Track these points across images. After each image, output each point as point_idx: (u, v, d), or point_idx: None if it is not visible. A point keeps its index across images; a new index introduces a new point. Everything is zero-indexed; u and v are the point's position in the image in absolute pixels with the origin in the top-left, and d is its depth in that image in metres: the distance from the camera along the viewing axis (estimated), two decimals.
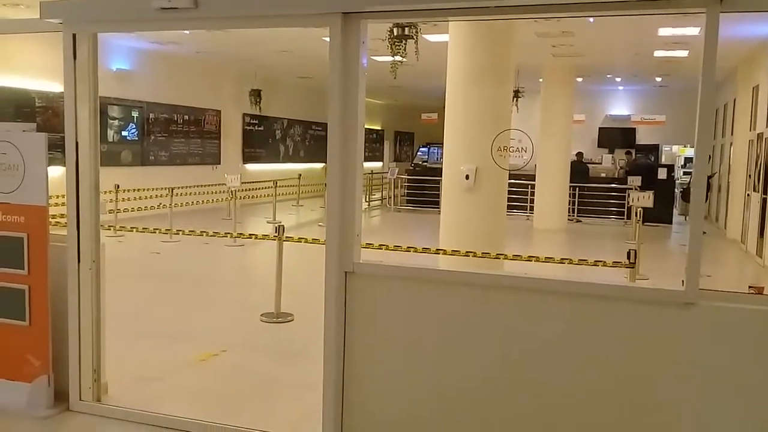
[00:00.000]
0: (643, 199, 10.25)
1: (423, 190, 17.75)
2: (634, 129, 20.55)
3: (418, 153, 23.62)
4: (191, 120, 16.12)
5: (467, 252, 6.25)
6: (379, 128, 26.39)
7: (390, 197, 19.00)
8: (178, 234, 8.75)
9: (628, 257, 5.78)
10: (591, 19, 9.54)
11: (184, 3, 3.57)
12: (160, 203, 11.88)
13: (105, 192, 10.08)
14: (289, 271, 6.61)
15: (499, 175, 7.00)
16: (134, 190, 12.13)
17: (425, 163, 20.75)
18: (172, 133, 15.52)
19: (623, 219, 15.77)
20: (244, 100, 17.84)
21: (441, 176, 7.33)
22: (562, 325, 3.27)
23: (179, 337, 5.84)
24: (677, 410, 3.12)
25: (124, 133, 14.19)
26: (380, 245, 6.58)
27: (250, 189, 15.71)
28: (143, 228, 8.42)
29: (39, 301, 4.00)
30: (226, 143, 17.38)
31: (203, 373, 5.04)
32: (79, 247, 4.04)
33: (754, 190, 11.70)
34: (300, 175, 18.36)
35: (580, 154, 17.66)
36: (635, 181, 15.57)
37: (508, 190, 7.71)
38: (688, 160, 21.32)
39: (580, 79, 16.43)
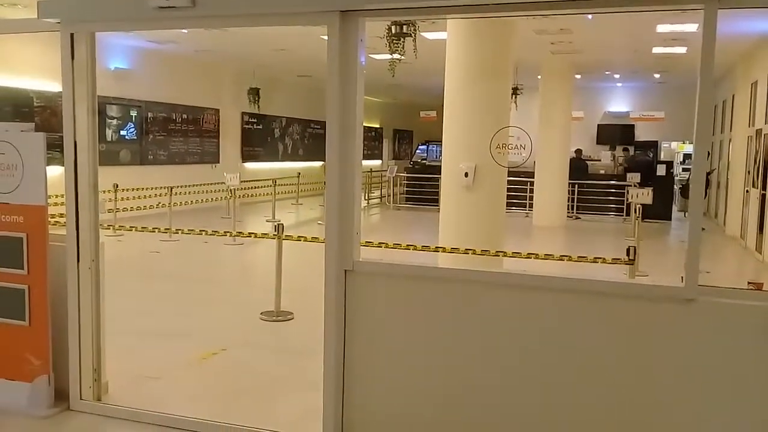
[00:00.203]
0: (642, 196, 10.26)
1: (422, 188, 17.77)
2: (633, 126, 20.56)
3: (417, 151, 23.63)
4: (190, 119, 16.11)
5: (466, 249, 6.25)
6: (377, 126, 26.38)
7: (389, 195, 19.00)
8: (177, 233, 8.75)
9: (628, 254, 5.78)
10: (589, 16, 9.54)
11: (182, 2, 3.57)
12: (159, 202, 11.87)
13: (104, 191, 10.09)
14: (288, 269, 6.62)
15: (498, 173, 7.00)
16: (133, 189, 12.13)
17: (424, 161, 20.76)
18: (170, 132, 15.51)
19: (622, 216, 15.78)
20: (243, 99, 17.83)
21: (440, 174, 7.33)
22: (561, 322, 3.27)
23: (179, 335, 5.85)
24: (677, 405, 3.13)
25: (122, 133, 14.19)
26: (380, 243, 6.57)
27: (249, 188, 15.71)
28: (142, 227, 8.42)
29: (39, 300, 4.00)
30: (224, 142, 17.38)
31: (204, 371, 5.05)
32: (78, 246, 4.04)
33: (753, 186, 11.71)
34: (299, 173, 18.36)
35: (579, 151, 17.67)
36: (634, 177, 15.57)
37: (508, 188, 7.71)
38: (687, 156, 21.34)
39: (578, 76, 16.42)
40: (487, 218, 7.16)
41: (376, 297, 3.56)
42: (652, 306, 3.16)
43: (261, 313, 6.39)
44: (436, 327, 3.46)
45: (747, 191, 12.38)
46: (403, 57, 9.35)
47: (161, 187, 12.24)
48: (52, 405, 4.02)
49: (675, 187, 17.40)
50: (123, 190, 11.79)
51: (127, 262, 8.80)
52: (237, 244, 10.56)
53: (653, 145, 20.12)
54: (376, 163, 25.15)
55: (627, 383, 3.19)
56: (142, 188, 12.32)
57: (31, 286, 4.00)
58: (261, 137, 19.14)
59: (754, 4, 3.45)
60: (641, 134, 20.66)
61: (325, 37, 3.51)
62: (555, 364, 3.29)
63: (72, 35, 3.95)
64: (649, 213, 11.85)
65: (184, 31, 11.31)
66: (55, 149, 4.07)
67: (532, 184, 15.33)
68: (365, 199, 18.49)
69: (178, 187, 12.60)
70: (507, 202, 7.75)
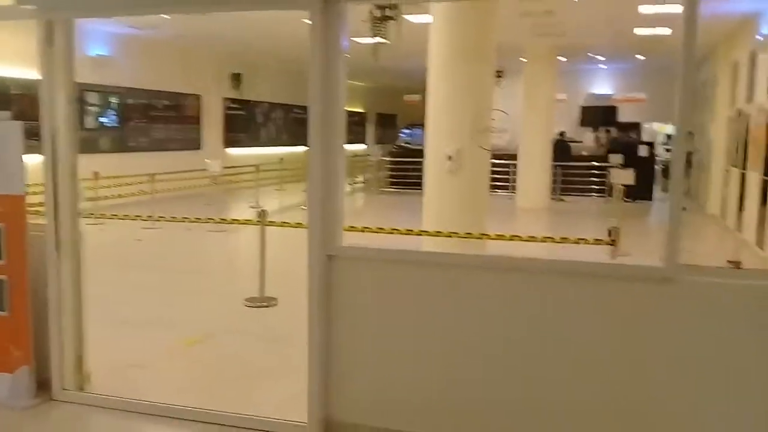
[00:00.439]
0: (624, 177, 10.32)
1: (406, 172, 17.71)
2: (616, 107, 20.64)
3: (401, 135, 23.56)
4: (171, 105, 15.95)
5: (450, 233, 6.26)
6: (361, 110, 26.28)
7: (373, 179, 18.96)
8: (159, 221, 8.71)
9: (610, 234, 5.83)
10: None
11: None
12: (141, 190, 11.77)
13: (84, 179, 9.97)
14: (272, 255, 6.60)
15: (481, 156, 7.00)
16: (114, 177, 11.99)
17: (408, 145, 20.70)
18: (151, 118, 15.34)
19: (605, 196, 15.88)
20: (225, 84, 17.67)
21: (424, 158, 7.31)
22: (544, 304, 3.29)
23: (163, 323, 5.82)
24: (660, 384, 3.16)
25: (102, 120, 14.02)
26: (363, 228, 6.57)
27: (232, 174, 15.61)
28: (124, 215, 8.37)
29: (18, 291, 3.95)
30: (206, 128, 17.23)
31: (188, 359, 5.03)
32: (58, 235, 4.00)
33: (734, 166, 11.82)
34: (282, 159, 18.27)
35: (562, 133, 17.72)
36: (616, 159, 15.66)
37: (491, 170, 7.72)
38: (669, 137, 21.46)
39: (562, 58, 16.43)
40: (470, 201, 7.17)
41: (359, 282, 3.56)
42: (633, 286, 3.18)
43: (245, 300, 6.38)
44: (419, 311, 3.47)
45: (727, 171, 12.49)
46: (386, 41, 9.29)
47: (143, 175, 12.13)
48: (35, 396, 3.99)
49: (657, 167, 17.52)
50: (104, 178, 11.66)
51: (109, 250, 8.72)
52: (220, 231, 10.50)
53: (635, 127, 20.22)
54: (360, 147, 25.08)
55: (610, 363, 3.22)
56: (124, 176, 12.19)
57: (10, 276, 3.95)
58: (243, 123, 19.00)
59: None
60: (623, 116, 20.76)
61: (308, 21, 3.47)
62: (538, 345, 3.31)
63: (49, 22, 3.88)
64: (631, 194, 11.93)
65: (164, 16, 11.15)
66: (33, 137, 4.01)
67: (515, 166, 15.37)
68: (349, 184, 18.45)
69: (159, 174, 12.49)
70: (491, 185, 7.78)
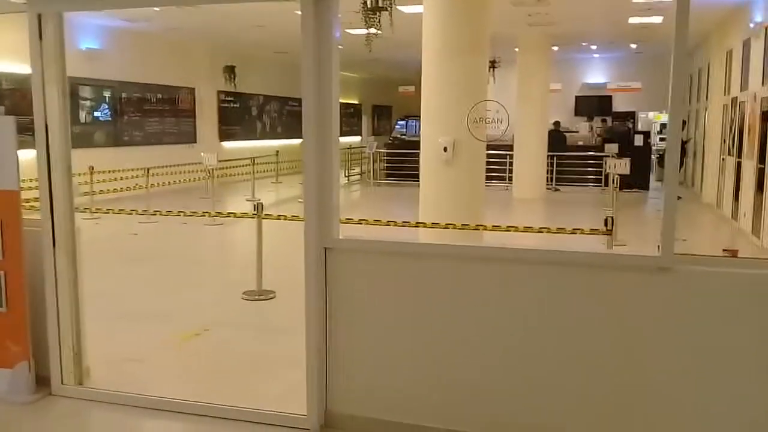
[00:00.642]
0: (620, 166, 10.34)
1: (402, 164, 17.72)
2: (610, 96, 20.65)
3: (396, 126, 23.53)
4: (165, 99, 15.89)
5: (447, 224, 6.27)
6: (356, 102, 26.23)
7: (369, 171, 18.96)
8: (155, 215, 8.68)
9: (606, 224, 5.84)
10: None
11: None
12: (136, 184, 11.74)
13: (79, 174, 9.95)
14: (269, 248, 6.60)
15: (476, 147, 7.01)
16: (109, 171, 11.97)
17: (404, 137, 20.68)
18: (145, 112, 15.30)
19: (601, 186, 15.91)
20: (219, 77, 17.61)
21: (419, 149, 7.31)
22: (540, 294, 3.30)
23: (161, 317, 5.82)
24: (656, 373, 3.18)
25: (96, 114, 13.96)
26: (360, 220, 6.57)
27: (227, 167, 15.58)
28: (120, 209, 8.34)
29: (15, 286, 3.95)
30: (201, 121, 17.18)
31: (186, 352, 5.04)
32: (53, 230, 3.99)
33: (729, 155, 11.84)
34: (277, 151, 18.23)
35: (557, 123, 17.73)
36: (612, 148, 15.69)
37: (487, 161, 7.73)
38: (664, 126, 21.48)
39: (556, 48, 16.42)
40: (466, 192, 7.19)
41: (356, 274, 3.57)
42: (629, 276, 3.19)
43: (243, 293, 6.38)
44: (416, 303, 3.47)
45: (723, 159, 12.52)
46: (379, 31, 9.26)
47: (138, 169, 12.10)
48: (34, 391, 3.99)
49: (652, 156, 17.55)
50: (99, 172, 11.64)
51: (106, 244, 8.71)
52: (216, 225, 10.50)
53: (630, 116, 20.25)
54: (356, 139, 25.05)
55: (607, 353, 3.24)
56: (119, 170, 12.17)
57: (6, 272, 3.95)
58: (238, 116, 18.95)
59: None
60: (618, 105, 20.78)
61: (300, 13, 3.46)
62: (535, 335, 3.32)
63: (39, 16, 3.86)
64: (626, 183, 11.96)
65: (155, 8, 11.10)
66: (27, 132, 3.99)
67: (511, 157, 15.37)
68: (345, 176, 18.43)
69: (155, 168, 12.46)
70: (487, 176, 7.78)
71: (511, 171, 15.61)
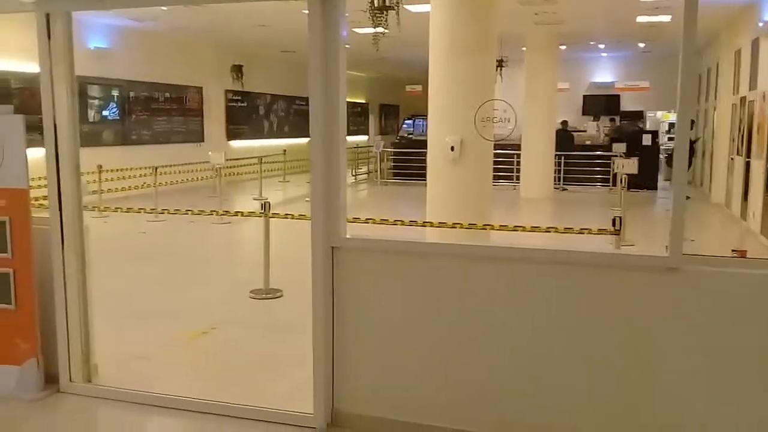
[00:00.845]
0: (628, 166, 10.30)
1: (409, 163, 17.71)
2: (618, 96, 20.57)
3: (403, 125, 23.53)
4: (173, 97, 15.94)
5: (454, 224, 6.26)
6: (363, 101, 26.23)
7: (376, 171, 18.96)
8: (163, 213, 8.70)
9: (614, 224, 5.82)
10: None
11: None
12: (145, 183, 11.79)
13: (88, 173, 9.99)
14: (277, 247, 6.61)
15: (484, 146, 7.00)
16: (117, 170, 12.02)
17: (411, 136, 20.68)
18: (153, 111, 15.35)
19: (609, 186, 15.85)
20: (226, 76, 17.64)
21: (427, 148, 7.31)
22: (548, 294, 3.29)
23: (169, 315, 5.84)
24: (663, 374, 3.17)
25: (104, 113, 14.02)
26: (367, 219, 6.57)
27: (235, 166, 15.61)
28: (128, 208, 8.37)
29: (24, 284, 3.97)
30: (209, 120, 17.22)
31: (194, 350, 5.06)
32: (62, 228, 4.01)
33: (738, 154, 11.78)
34: (285, 150, 18.25)
35: (564, 123, 17.69)
36: (620, 148, 15.63)
37: (494, 160, 7.71)
38: (672, 125, 21.39)
39: (563, 47, 16.37)
40: (474, 192, 7.18)
41: (363, 273, 3.57)
42: (637, 276, 3.18)
43: (250, 291, 6.39)
44: (423, 302, 3.47)
45: (732, 159, 12.45)
46: (387, 30, 9.26)
47: (146, 167, 12.14)
48: (43, 388, 4.01)
49: (661, 156, 17.48)
50: (107, 171, 11.68)
51: (114, 243, 8.75)
52: (224, 223, 10.52)
53: (639, 115, 20.17)
54: (363, 138, 25.06)
55: (614, 353, 3.23)
56: (127, 169, 12.21)
57: (16, 270, 3.97)
58: (245, 115, 18.98)
59: None
60: (626, 104, 20.70)
61: (307, 12, 3.46)
62: (543, 335, 3.31)
63: (47, 15, 3.88)
64: (635, 183, 11.90)
65: (163, 8, 11.13)
66: (36, 131, 4.01)
67: (518, 156, 15.34)
68: (352, 176, 18.44)
69: (163, 166, 12.50)
70: (494, 175, 7.76)
71: (518, 170, 15.58)
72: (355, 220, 6.31)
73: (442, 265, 3.45)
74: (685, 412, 3.16)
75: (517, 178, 15.63)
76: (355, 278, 3.56)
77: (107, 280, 5.57)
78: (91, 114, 13.62)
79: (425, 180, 7.38)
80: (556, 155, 15.64)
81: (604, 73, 21.26)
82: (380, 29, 9.06)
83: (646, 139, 16.56)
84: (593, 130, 19.35)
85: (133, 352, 4.80)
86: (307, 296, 3.61)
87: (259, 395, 3.99)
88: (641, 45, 17.21)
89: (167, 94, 15.74)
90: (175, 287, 6.93)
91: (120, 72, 14.16)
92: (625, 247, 6.75)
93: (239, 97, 18.50)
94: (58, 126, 3.95)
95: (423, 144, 7.75)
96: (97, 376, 4.19)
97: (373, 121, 27.70)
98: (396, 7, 8.79)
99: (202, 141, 16.80)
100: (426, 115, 7.32)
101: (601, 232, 6.13)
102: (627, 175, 9.97)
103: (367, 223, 6.52)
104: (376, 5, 8.74)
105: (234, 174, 15.63)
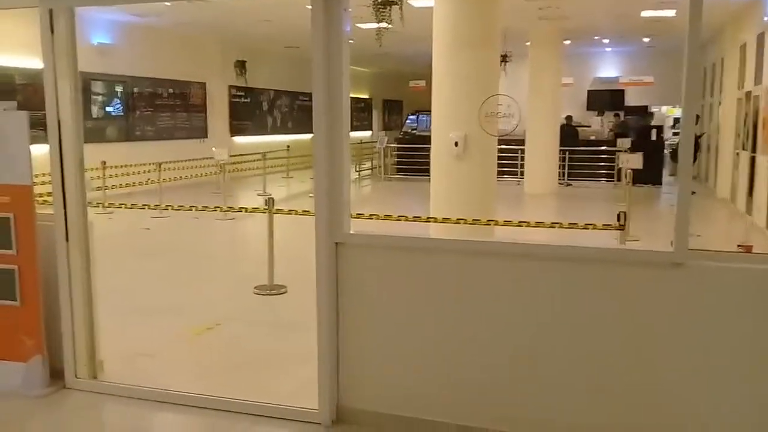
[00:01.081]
0: (633, 161, 10.27)
1: (413, 159, 17.68)
2: (623, 91, 20.50)
3: (407, 121, 23.48)
4: (176, 93, 15.94)
5: (458, 219, 6.25)
6: (366, 97, 26.20)
7: (380, 166, 18.94)
8: (167, 209, 8.72)
9: (618, 219, 5.80)
10: None
11: None
12: (149, 179, 11.80)
13: (91, 169, 10.00)
14: (281, 243, 6.61)
15: (488, 141, 6.98)
16: (121, 166, 12.02)
17: (414, 131, 20.64)
18: (157, 107, 15.36)
19: (613, 181, 15.81)
20: (229, 72, 17.62)
21: (430, 144, 7.29)
22: (552, 290, 3.28)
23: (173, 311, 5.85)
24: (668, 369, 3.16)
25: (108, 109, 14.03)
26: (371, 215, 6.57)
27: (238, 162, 15.62)
28: (132, 204, 8.39)
29: (29, 280, 3.98)
30: (212, 116, 17.22)
31: (198, 347, 5.06)
32: (66, 225, 4.02)
33: (743, 149, 11.74)
34: (288, 146, 18.25)
35: (569, 118, 17.63)
36: (625, 143, 15.58)
37: (498, 156, 7.69)
38: (677, 120, 21.32)
39: (567, 42, 16.31)
40: (478, 187, 7.16)
41: (367, 269, 3.56)
42: (642, 271, 3.17)
43: (254, 287, 6.40)
44: (428, 298, 3.47)
45: (737, 154, 12.41)
46: (390, 26, 9.24)
47: (150, 164, 12.15)
48: (48, 384, 4.02)
49: (665, 151, 17.42)
50: (111, 167, 11.69)
51: (118, 239, 8.76)
52: (228, 219, 10.53)
53: (643, 110, 20.09)
54: (366, 134, 25.03)
55: (619, 349, 3.22)
56: (131, 165, 12.22)
57: (20, 267, 3.98)
58: (249, 111, 18.98)
59: None
60: (631, 99, 20.62)
61: (310, 7, 3.45)
62: (546, 331, 3.31)
63: (51, 10, 3.87)
64: (639, 178, 11.87)
65: (166, 3, 11.12)
66: (39, 127, 4.02)
67: (523, 151, 15.30)
68: (356, 171, 18.42)
69: (167, 162, 12.51)
70: (498, 171, 7.75)
71: (522, 166, 15.54)
72: (359, 216, 6.30)
73: (446, 260, 3.45)
74: (690, 408, 3.15)
75: (522, 173, 15.59)
76: (359, 274, 3.56)
77: (111, 276, 5.58)
78: (95, 110, 13.63)
79: (429, 176, 7.36)
80: (560, 150, 15.59)
81: (608, 68, 21.18)
82: (384, 24, 9.04)
83: (651, 134, 16.50)
84: (597, 125, 19.29)
85: (138, 348, 4.81)
86: (312, 292, 3.61)
87: (263, 391, 3.99)
88: (646, 40, 17.14)
89: (171, 90, 15.75)
90: (179, 283, 6.94)
91: (123, 68, 14.17)
92: (629, 242, 6.72)
93: (243, 93, 18.50)
94: (61, 122, 3.95)
95: (427, 139, 7.73)
96: (103, 373, 4.19)
97: (376, 117, 27.68)
98: (399, 2, 8.78)
99: (206, 137, 16.81)
100: (430, 111, 7.31)
101: (605, 227, 6.11)
102: (632, 170, 9.94)
103: (371, 218, 6.52)
104: (379, 0, 8.73)
105: (238, 170, 15.63)
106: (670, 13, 12.43)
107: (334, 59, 3.45)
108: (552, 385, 3.32)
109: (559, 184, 15.70)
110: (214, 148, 13.52)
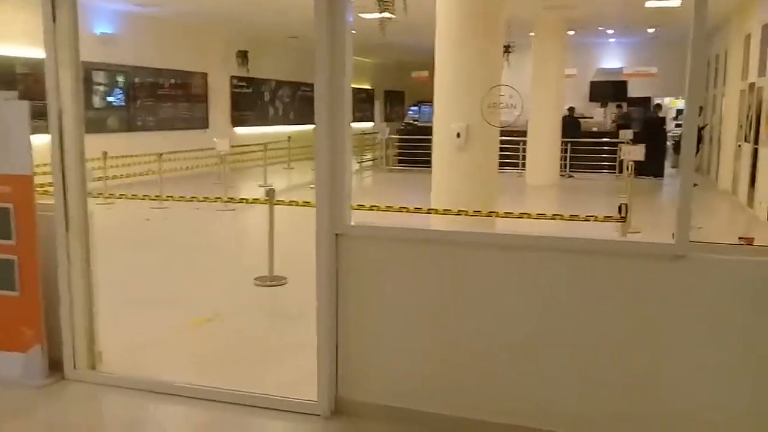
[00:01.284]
0: (635, 153, 10.23)
1: (415, 150, 17.63)
2: (626, 82, 20.41)
3: (409, 112, 23.43)
4: (178, 84, 15.90)
5: (459, 211, 6.24)
6: (368, 87, 26.12)
7: (381, 157, 18.90)
8: (168, 200, 8.71)
9: (620, 211, 5.79)
10: None
11: None
12: (149, 169, 11.79)
13: (92, 159, 9.99)
14: (281, 234, 6.60)
15: (490, 132, 6.95)
16: (122, 156, 12.00)
17: (416, 122, 20.58)
18: (158, 97, 15.32)
19: (615, 173, 15.77)
20: (231, 62, 17.57)
21: (432, 135, 7.26)
22: (554, 282, 3.27)
23: (173, 302, 5.84)
24: (669, 361, 3.15)
25: (109, 99, 14.01)
26: (372, 206, 6.55)
27: (239, 153, 15.59)
28: (132, 195, 8.38)
29: (29, 271, 3.97)
30: (213, 107, 17.18)
31: (198, 337, 5.06)
32: (66, 215, 4.01)
33: (746, 141, 11.69)
34: (290, 137, 18.21)
35: (571, 109, 17.57)
36: (627, 134, 15.53)
37: (500, 147, 7.66)
38: (680, 112, 21.24)
39: (571, 32, 16.23)
40: (479, 178, 7.14)
41: (368, 261, 3.56)
42: (643, 263, 3.16)
43: (255, 278, 6.39)
44: (428, 289, 3.46)
45: (739, 146, 12.36)
46: (393, 16, 9.18)
47: (150, 154, 12.13)
48: (47, 375, 4.02)
49: (668, 143, 17.36)
50: (112, 157, 11.67)
51: (119, 230, 8.76)
52: (229, 210, 10.52)
53: (646, 101, 20.01)
54: (368, 125, 24.98)
55: (620, 341, 3.21)
56: (132, 155, 12.20)
57: (20, 257, 3.97)
58: (251, 101, 18.93)
59: None
60: (634, 90, 20.53)
61: None
62: (547, 323, 3.30)
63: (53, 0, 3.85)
64: (642, 170, 11.83)
65: None
66: (40, 117, 4.00)
67: (525, 143, 15.26)
68: (357, 162, 18.39)
69: (168, 153, 12.49)
70: (500, 162, 7.72)
71: (524, 157, 15.50)
72: (360, 207, 6.29)
73: (446, 252, 3.43)
74: (692, 400, 3.14)
75: (524, 164, 15.56)
76: (360, 265, 3.55)
77: (111, 266, 5.57)
78: (96, 100, 13.61)
79: (431, 167, 7.34)
80: (562, 142, 15.55)
81: (611, 59, 21.09)
82: (387, 14, 8.99)
83: (659, 125, 16.43)
84: (600, 116, 19.22)
85: (138, 339, 4.81)
86: (312, 283, 3.60)
87: (263, 382, 3.99)
88: (650, 30, 17.05)
89: (172, 80, 15.71)
90: (179, 274, 6.94)
91: (125, 58, 14.12)
92: (631, 234, 6.71)
93: (244, 84, 18.45)
94: (63, 112, 3.94)
95: (429, 130, 7.70)
96: (102, 363, 4.19)
97: (378, 108, 27.60)
98: None
99: (207, 127, 16.78)
100: (432, 102, 7.27)
101: (607, 219, 6.10)
102: (634, 162, 9.91)
103: (372, 210, 6.50)
104: None
105: (239, 161, 15.61)
106: (675, 3, 12.34)
107: (336, 49, 3.43)
108: (553, 377, 3.32)
109: (561, 175, 15.67)
110: (215, 139, 13.49)
